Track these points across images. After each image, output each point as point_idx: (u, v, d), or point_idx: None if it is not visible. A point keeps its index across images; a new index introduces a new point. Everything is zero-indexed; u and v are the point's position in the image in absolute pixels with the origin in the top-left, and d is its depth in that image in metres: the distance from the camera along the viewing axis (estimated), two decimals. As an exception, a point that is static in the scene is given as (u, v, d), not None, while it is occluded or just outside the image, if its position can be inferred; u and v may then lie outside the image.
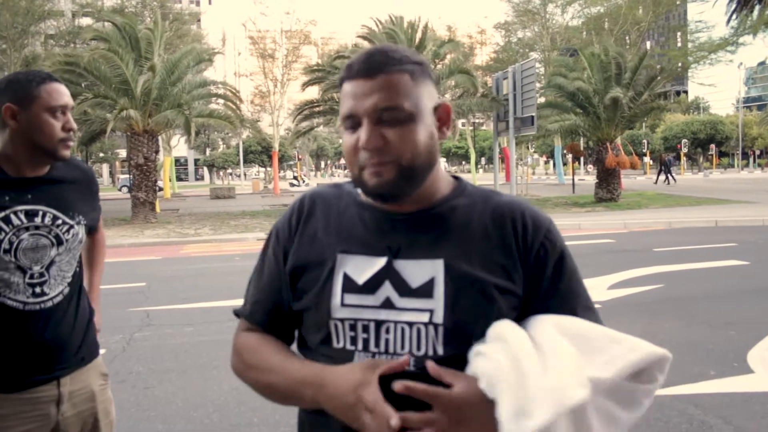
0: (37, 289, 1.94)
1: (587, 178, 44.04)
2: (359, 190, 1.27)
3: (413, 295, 1.17)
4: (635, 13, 36.43)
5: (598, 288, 7.86)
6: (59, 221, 1.99)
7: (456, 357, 1.14)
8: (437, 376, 1.10)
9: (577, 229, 15.47)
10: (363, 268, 1.20)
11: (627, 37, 37.65)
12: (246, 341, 1.34)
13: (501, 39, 46.46)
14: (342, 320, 1.19)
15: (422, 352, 1.15)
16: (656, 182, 36.82)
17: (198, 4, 65.72)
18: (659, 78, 23.11)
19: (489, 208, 1.24)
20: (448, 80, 20.69)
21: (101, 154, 56.00)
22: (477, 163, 59.30)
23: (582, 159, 52.72)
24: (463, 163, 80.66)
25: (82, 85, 19.28)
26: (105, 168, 70.02)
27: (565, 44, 39.74)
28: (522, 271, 1.21)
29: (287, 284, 1.29)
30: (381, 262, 1.19)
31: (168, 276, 10.19)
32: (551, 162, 61.19)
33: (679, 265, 9.47)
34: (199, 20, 47.88)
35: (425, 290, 1.16)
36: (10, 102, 1.90)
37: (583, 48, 25.75)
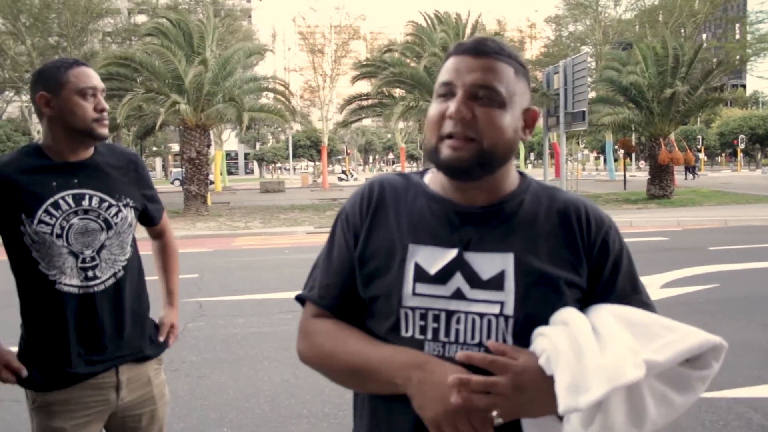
0: (89, 273, 1.98)
1: (639, 174, 43.12)
2: (427, 180, 1.33)
3: (484, 287, 1.19)
4: (692, 5, 35.45)
5: (650, 287, 7.72)
6: (105, 203, 2.01)
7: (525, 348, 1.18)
8: (499, 350, 1.13)
9: (628, 226, 15.18)
10: (434, 258, 1.22)
11: (682, 30, 36.67)
12: (320, 326, 1.32)
13: (552, 33, 45.82)
14: (413, 309, 1.21)
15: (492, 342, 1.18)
16: (686, 178, 36.19)
17: (249, 0, 66.59)
18: (716, 71, 22.46)
19: (554, 205, 1.27)
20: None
21: (154, 148, 57.36)
22: (526, 158, 58.63)
23: (633, 155, 51.63)
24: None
25: (137, 80, 19.76)
26: (158, 161, 71.64)
27: (617, 38, 38.93)
28: (586, 265, 1.24)
29: (357, 269, 1.29)
30: (452, 253, 1.21)
31: (220, 268, 10.38)
32: (601, 158, 60.09)
33: (736, 265, 9.21)
34: (249, 16, 48.46)
35: (496, 282, 1.19)
36: (42, 90, 1.95)
37: (637, 41, 25.20)
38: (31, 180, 1.94)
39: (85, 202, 1.98)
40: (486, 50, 1.19)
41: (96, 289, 1.99)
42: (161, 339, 2.31)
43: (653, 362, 1.07)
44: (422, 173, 1.37)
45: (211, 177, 23.41)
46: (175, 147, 50.58)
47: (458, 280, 1.20)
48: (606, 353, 1.07)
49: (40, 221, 1.92)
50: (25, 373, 1.98)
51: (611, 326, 1.13)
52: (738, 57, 36.88)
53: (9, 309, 7.65)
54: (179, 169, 36.31)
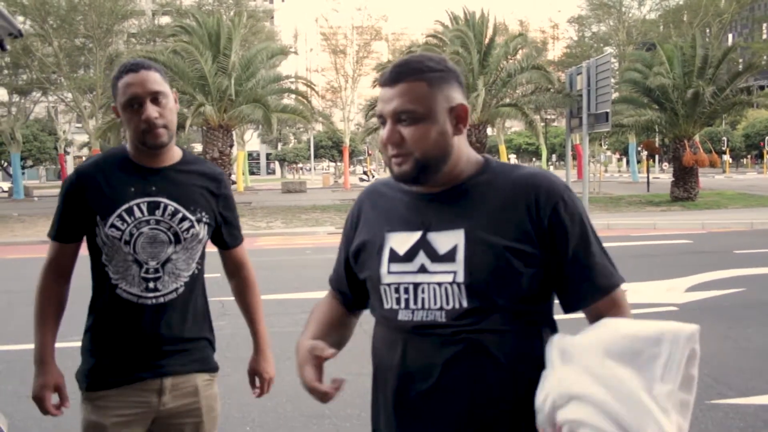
0: (151, 284, 1.97)
1: (662, 176, 42.68)
2: None
3: (441, 260, 1.41)
4: (717, 4, 34.97)
5: (675, 290, 7.63)
6: (179, 215, 1.99)
7: (477, 309, 1.38)
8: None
9: (652, 229, 15.04)
10: (403, 241, 1.46)
11: (707, 30, 36.20)
12: (321, 301, 1.73)
13: (574, 33, 45.47)
14: (389, 285, 1.47)
15: (450, 306, 1.40)
16: None
17: (272, 1, 66.88)
18: (744, 73, 22.14)
19: (509, 180, 1.45)
20: (521, 76, 20.38)
21: (177, 148, 57.72)
22: (548, 160, 58.27)
23: (657, 156, 51.11)
24: (534, 159, 79.39)
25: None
26: (181, 161, 72.06)
27: (641, 38, 38.53)
28: (538, 234, 1.40)
29: (353, 261, 1.59)
30: (417, 235, 1.45)
31: (241, 268, 10.44)
32: (624, 159, 59.57)
33: (763, 269, 9.08)
34: (272, 17, 48.71)
35: (450, 256, 1.41)
36: (114, 99, 1.98)
37: (662, 42, 24.91)
38: (111, 183, 1.96)
39: (159, 212, 1.96)
40: (399, 78, 1.41)
41: (154, 301, 1.98)
42: (257, 393, 2.36)
43: (671, 392, 1.22)
44: None
45: (233, 177, 23.56)
46: (198, 147, 51.00)
47: (421, 257, 1.43)
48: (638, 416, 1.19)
49: (112, 225, 1.93)
50: (68, 405, 2.05)
51: (612, 374, 1.23)
52: (765, 57, 36.32)
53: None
54: (202, 169, 36.52)
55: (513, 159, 74.03)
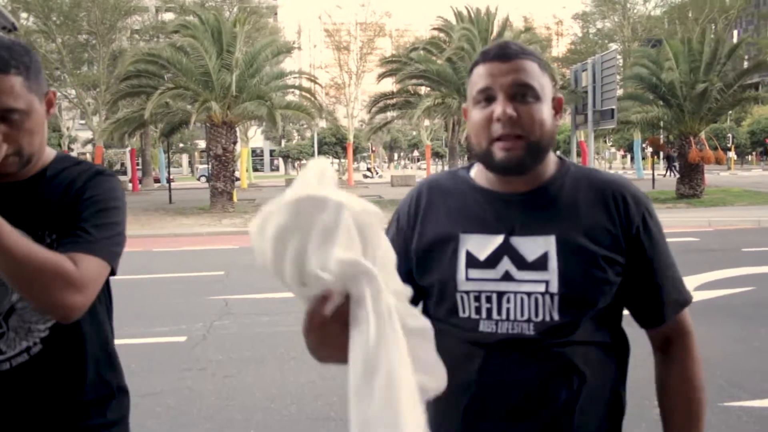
0: None
1: (667, 173, 42.48)
2: (473, 174, 1.44)
3: (530, 268, 1.30)
4: (723, 1, 34.80)
5: (683, 289, 7.54)
6: None
7: (570, 322, 1.30)
8: None
9: (658, 226, 14.92)
10: (483, 245, 1.34)
11: (713, 26, 36.02)
12: None
13: (579, 30, 45.30)
14: (467, 292, 1.34)
15: (539, 318, 1.30)
16: (664, 176, 37.75)
17: (275, -3, 66.77)
18: (752, 69, 21.98)
19: (593, 185, 1.36)
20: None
21: (181, 145, 57.80)
22: (552, 156, 58.10)
23: (662, 153, 50.90)
24: (537, 156, 79.15)
25: (165, 77, 19.87)
26: (184, 158, 72.21)
27: (646, 35, 38.37)
28: (625, 242, 1.33)
29: (414, 265, 1.41)
30: (499, 239, 1.33)
31: (246, 265, 10.37)
32: (628, 156, 59.37)
33: (772, 267, 8.98)
34: (275, 14, 48.63)
35: (540, 263, 1.30)
36: None
37: (667, 38, 24.77)
38: None
39: None
40: (511, 53, 1.30)
41: None
42: None
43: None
44: (468, 168, 1.48)
45: (237, 174, 23.51)
46: (202, 144, 50.96)
47: (506, 264, 1.32)
48: None
49: None
50: None
51: None
52: (770, 54, 36.13)
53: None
54: (205, 166, 36.58)
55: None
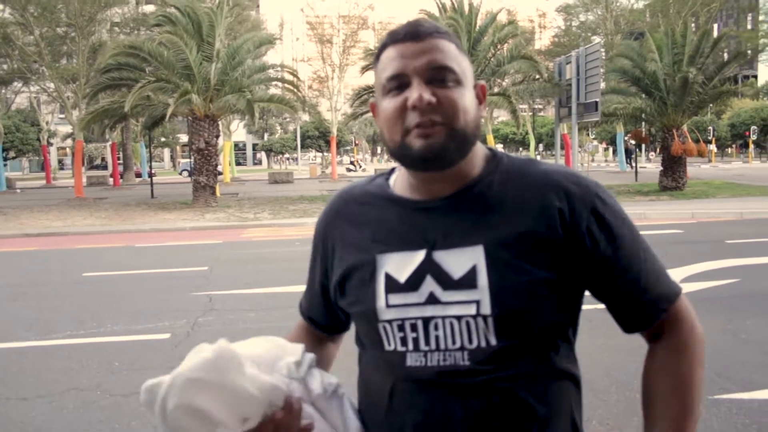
0: None
1: (649, 165, 42.81)
2: (391, 182, 1.24)
3: (457, 287, 1.10)
4: (705, -6, 34.99)
5: (669, 281, 7.54)
6: None
7: (511, 347, 1.09)
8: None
9: (642, 218, 14.98)
10: (403, 264, 1.14)
11: (694, 19, 36.21)
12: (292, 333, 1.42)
13: (562, 22, 45.39)
14: (389, 322, 1.14)
15: (474, 344, 1.09)
16: (629, 167, 38.41)
17: (257, -11, 66.22)
18: (732, 62, 22.14)
19: (529, 180, 1.14)
20: (509, 65, 20.25)
21: (162, 139, 57.27)
22: (535, 149, 58.29)
23: (644, 146, 51.22)
24: (521, 149, 79.47)
25: (146, 70, 19.62)
26: (166, 152, 71.60)
27: (629, 27, 38.53)
28: (572, 243, 1.11)
29: (338, 294, 1.26)
30: (420, 255, 1.13)
31: (229, 260, 10.27)
32: (611, 149, 59.74)
33: (756, 259, 9.02)
34: (258, 6, 48.25)
35: (468, 280, 1.09)
36: None
37: (650, 31, 24.88)
38: None
39: None
40: (424, 31, 1.10)
41: None
42: None
43: None
44: (388, 174, 1.27)
45: (219, 168, 23.33)
46: (184, 138, 50.54)
47: (430, 284, 1.11)
48: None
49: None
50: None
51: None
52: (750, 47, 36.42)
53: (17, 302, 7.47)
54: (188, 160, 36.26)
55: (500, 149, 73.91)
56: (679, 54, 20.85)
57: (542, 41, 47.45)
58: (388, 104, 1.10)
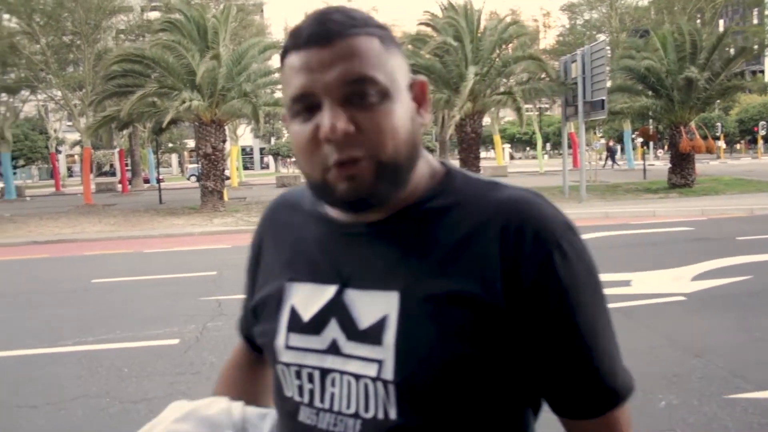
0: None
1: (657, 163, 42.59)
2: None
3: (361, 338, 0.88)
4: (710, -11, 34.80)
5: (681, 279, 7.48)
6: None
7: (417, 425, 0.86)
8: None
9: (651, 216, 14.90)
10: (311, 299, 0.93)
11: (699, 15, 36.02)
12: (229, 360, 1.24)
13: (567, 21, 45.28)
14: (287, 365, 0.94)
15: (370, 414, 0.87)
16: (603, 167, 39.53)
17: (261, -6, 66.35)
18: (738, 57, 21.99)
19: (480, 209, 0.88)
20: (515, 65, 20.18)
21: (170, 144, 57.47)
22: (543, 148, 58.19)
23: (651, 144, 51.03)
24: (528, 149, 79.33)
25: (151, 76, 19.68)
26: (174, 158, 71.84)
27: (634, 25, 38.38)
28: (513, 300, 0.84)
29: (253, 319, 1.09)
30: (329, 292, 0.92)
31: (238, 265, 10.18)
32: (619, 147, 59.49)
33: None
34: (262, 11, 48.35)
35: (375, 333, 0.87)
36: None
37: (655, 28, 24.77)
38: None
39: None
40: (333, 31, 0.84)
41: None
42: None
43: None
44: None
45: (227, 172, 23.37)
46: (191, 143, 50.65)
47: (333, 329, 0.90)
48: None
49: None
50: None
51: None
52: (756, 41, 36.20)
53: (26, 309, 7.48)
54: (195, 165, 36.36)
55: (507, 149, 73.73)
56: (684, 51, 20.75)
57: (547, 40, 47.36)
58: (298, 131, 0.87)
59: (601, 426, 0.89)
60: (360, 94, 0.83)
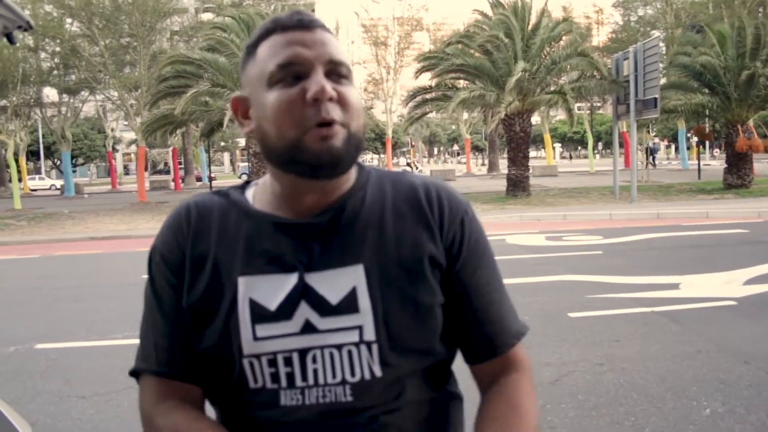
0: None
1: (713, 163, 41.45)
2: (249, 196, 1.08)
3: (336, 312, 0.98)
4: (771, -17, 33.66)
5: (732, 283, 7.27)
6: None
7: (394, 378, 1.00)
8: None
9: (704, 217, 14.52)
10: (272, 290, 0.99)
11: (760, 10, 34.85)
12: (168, 422, 1.04)
13: (620, 18, 44.38)
14: (257, 356, 0.99)
15: (357, 377, 0.98)
16: (645, 167, 37.29)
17: (312, -6, 66.99)
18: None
19: (402, 191, 1.07)
20: (565, 63, 19.86)
21: (222, 143, 58.54)
22: (594, 148, 57.24)
23: (707, 143, 49.65)
24: (579, 148, 78.09)
25: (204, 77, 20.11)
26: (226, 156, 73.20)
27: (690, 20, 37.37)
28: (446, 255, 1.05)
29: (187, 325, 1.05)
30: (292, 279, 0.99)
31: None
32: (673, 146, 58.11)
33: (826, 259, 8.61)
34: (313, 10, 48.86)
35: (348, 304, 0.98)
36: None
37: (712, 23, 24.06)
38: None
39: None
40: (316, 22, 0.99)
41: None
42: None
43: None
44: (243, 188, 1.11)
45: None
46: (242, 142, 51.52)
47: (305, 311, 0.98)
48: None
49: None
50: None
51: None
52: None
53: (79, 303, 7.70)
54: (246, 164, 36.95)
55: (558, 148, 72.74)
56: (743, 47, 20.10)
57: (600, 37, 46.51)
58: (278, 96, 0.95)
59: (512, 357, 1.09)
60: (337, 73, 0.98)
